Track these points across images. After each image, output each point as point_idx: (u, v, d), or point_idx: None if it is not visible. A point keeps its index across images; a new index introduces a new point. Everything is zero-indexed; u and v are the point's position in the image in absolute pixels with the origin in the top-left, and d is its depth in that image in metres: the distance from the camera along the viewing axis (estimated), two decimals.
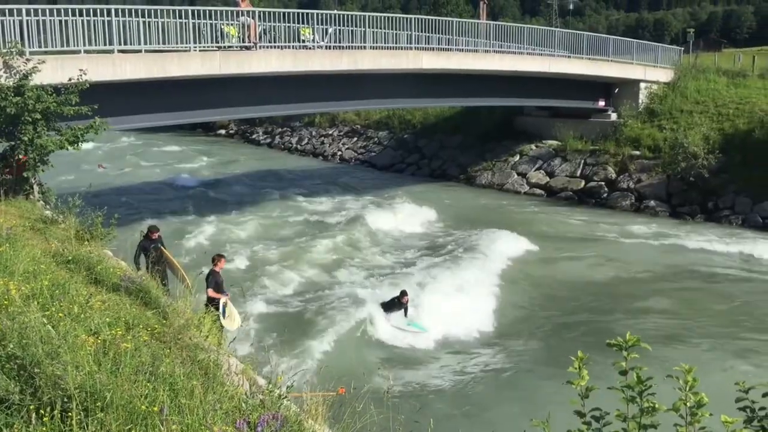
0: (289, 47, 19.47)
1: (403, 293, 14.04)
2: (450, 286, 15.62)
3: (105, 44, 15.72)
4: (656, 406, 3.27)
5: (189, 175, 33.48)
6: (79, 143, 14.60)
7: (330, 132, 43.55)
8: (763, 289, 16.78)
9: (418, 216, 23.96)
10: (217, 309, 10.75)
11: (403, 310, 13.92)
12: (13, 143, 14.17)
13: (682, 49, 34.10)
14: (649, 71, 30.11)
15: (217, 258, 12.00)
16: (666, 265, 18.76)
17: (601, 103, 29.97)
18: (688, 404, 3.18)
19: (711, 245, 20.54)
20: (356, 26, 20.94)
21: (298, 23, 20.06)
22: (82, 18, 15.29)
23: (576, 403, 3.41)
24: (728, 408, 3.38)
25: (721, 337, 13.43)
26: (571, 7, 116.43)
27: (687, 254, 19.88)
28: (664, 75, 30.67)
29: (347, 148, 40.78)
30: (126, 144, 46.30)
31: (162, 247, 12.43)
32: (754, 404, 3.40)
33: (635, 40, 31.47)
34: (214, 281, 11.44)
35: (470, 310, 14.58)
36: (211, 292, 11.31)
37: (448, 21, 24.19)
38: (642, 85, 29.90)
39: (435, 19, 23.83)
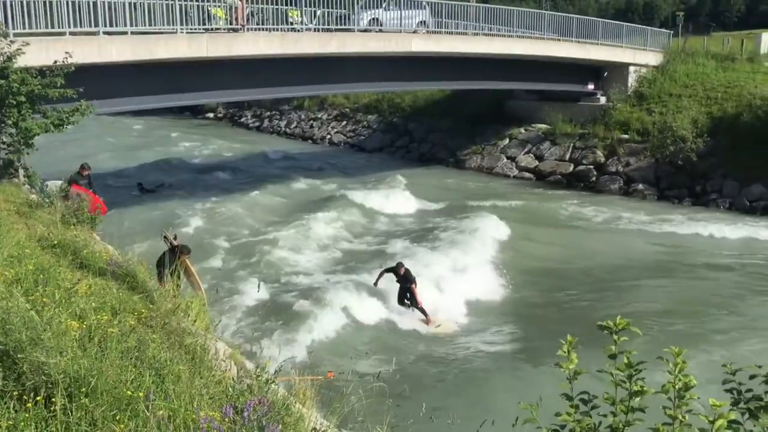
0: (277, 30, 19.30)
1: (399, 264, 13.96)
2: (436, 270, 15.61)
3: (91, 26, 15.52)
4: (645, 389, 3.28)
5: (177, 159, 33.23)
6: (65, 126, 14.43)
7: (319, 115, 43.33)
8: (749, 272, 16.90)
9: (407, 199, 23.94)
10: None
11: (402, 281, 13.80)
12: None
13: (672, 32, 34.04)
14: (638, 54, 30.07)
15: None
16: (653, 249, 18.86)
17: (591, 87, 29.92)
18: (676, 387, 3.18)
19: (699, 229, 20.64)
20: (345, 8, 20.75)
21: (286, 5, 19.89)
22: None
23: (565, 387, 3.40)
24: (716, 391, 3.38)
25: (708, 320, 13.51)
26: None
27: (675, 238, 19.99)
28: (654, 58, 30.64)
29: (336, 132, 40.61)
30: (111, 128, 45.82)
31: (185, 258, 11.45)
32: (741, 386, 3.41)
33: (625, 23, 31.40)
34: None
35: (457, 293, 14.62)
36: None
37: (438, 4, 24.01)
38: (631, 68, 29.87)
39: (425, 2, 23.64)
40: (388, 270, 14.09)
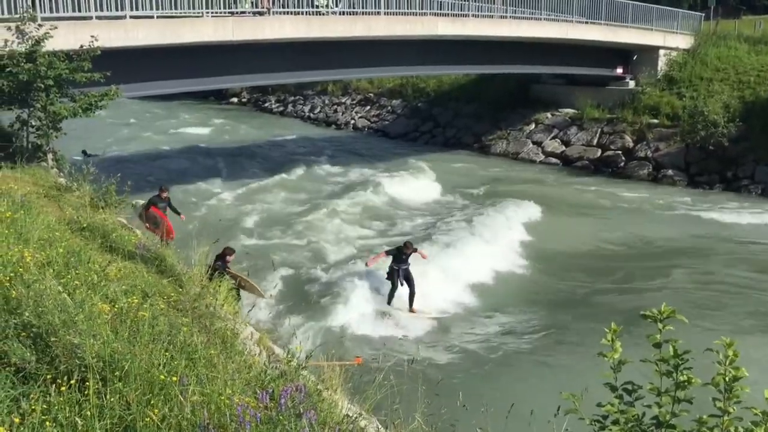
0: (302, 13, 19.19)
1: (408, 243, 13.15)
2: (468, 255, 15.46)
3: (117, 9, 15.53)
4: (693, 380, 3.16)
5: (202, 143, 33.37)
6: (93, 110, 14.51)
7: (343, 100, 43.18)
8: None
9: (433, 184, 23.80)
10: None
11: (404, 261, 12.90)
12: (26, 110, 14.14)
13: (702, 15, 33.34)
14: (668, 38, 29.49)
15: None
16: (686, 235, 18.52)
17: (620, 71, 29.41)
18: (727, 378, 3.06)
19: (732, 215, 20.26)
20: None
21: None
22: None
23: (608, 376, 3.30)
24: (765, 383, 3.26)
25: (748, 310, 13.17)
26: None
27: (707, 224, 19.62)
28: (684, 41, 30.04)
29: (360, 117, 40.44)
30: (135, 112, 46.13)
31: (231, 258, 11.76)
32: None
33: (655, 6, 30.76)
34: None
35: (490, 279, 14.52)
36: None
37: None
38: (661, 51, 29.32)
39: None
40: (391, 251, 13.08)
